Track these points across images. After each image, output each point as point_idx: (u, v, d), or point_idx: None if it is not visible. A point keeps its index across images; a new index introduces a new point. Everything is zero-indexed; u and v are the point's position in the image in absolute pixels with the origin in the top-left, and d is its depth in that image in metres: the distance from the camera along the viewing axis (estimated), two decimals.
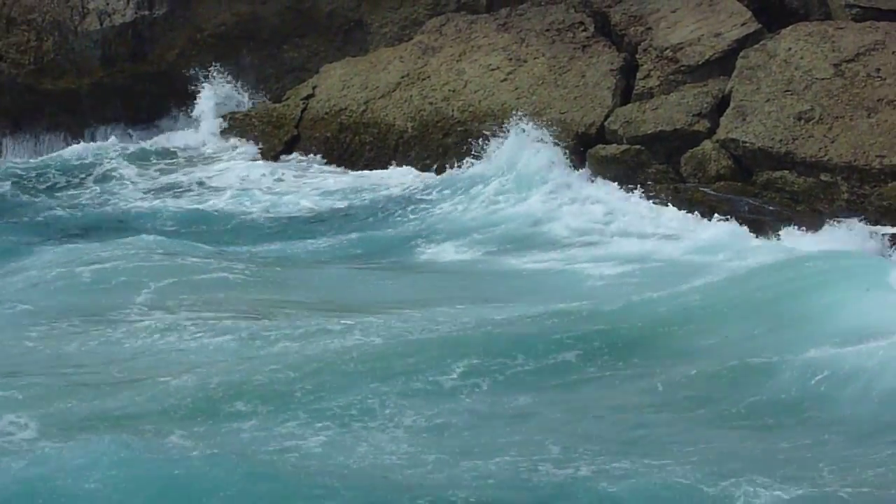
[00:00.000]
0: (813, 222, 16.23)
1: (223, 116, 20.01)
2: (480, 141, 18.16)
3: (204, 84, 20.04)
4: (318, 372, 10.33)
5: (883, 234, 15.91)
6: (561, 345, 10.94)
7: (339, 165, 19.26)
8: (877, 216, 16.64)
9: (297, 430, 9.45)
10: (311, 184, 18.59)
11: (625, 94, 18.83)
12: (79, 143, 20.24)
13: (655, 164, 17.82)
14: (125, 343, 11.53)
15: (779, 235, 15.92)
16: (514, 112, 18.31)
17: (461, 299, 13.09)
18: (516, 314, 11.91)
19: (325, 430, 9.47)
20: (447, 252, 15.89)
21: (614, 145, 18.14)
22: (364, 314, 12.29)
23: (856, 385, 10.01)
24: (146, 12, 20.49)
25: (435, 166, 18.71)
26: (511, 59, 19.37)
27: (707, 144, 17.77)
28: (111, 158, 19.44)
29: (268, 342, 11.32)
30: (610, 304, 11.92)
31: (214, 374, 10.30)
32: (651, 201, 16.98)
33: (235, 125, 19.98)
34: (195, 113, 20.08)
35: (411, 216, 17.25)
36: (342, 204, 17.78)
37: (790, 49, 18.26)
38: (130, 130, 20.63)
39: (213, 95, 20.08)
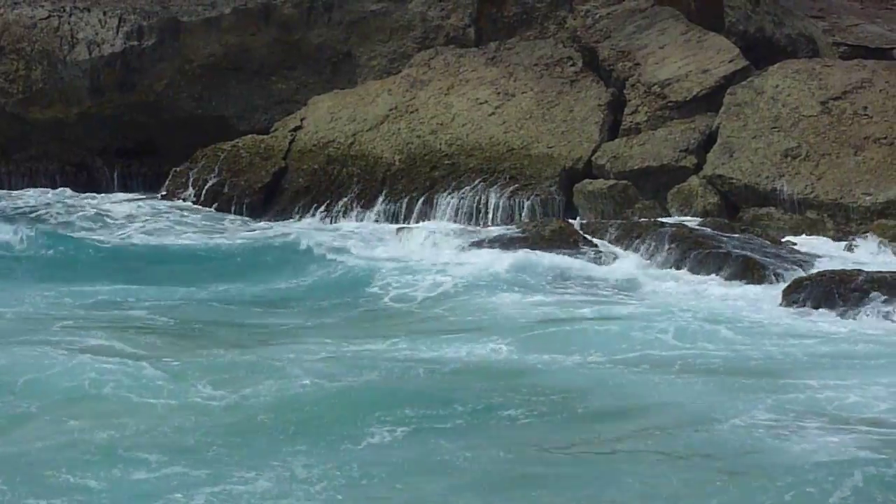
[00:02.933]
0: None
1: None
2: None
3: None
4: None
5: None
6: None
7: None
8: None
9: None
10: None
11: (612, 129, 18.87)
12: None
13: (642, 200, 17.82)
14: None
15: None
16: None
17: None
18: None
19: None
20: None
21: (601, 180, 18.14)
22: None
23: None
24: (135, 43, 20.48)
25: None
26: (499, 93, 19.38)
27: (694, 180, 17.79)
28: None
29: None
30: None
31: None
32: None
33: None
34: None
35: None
36: None
37: (777, 86, 18.31)
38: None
39: None
